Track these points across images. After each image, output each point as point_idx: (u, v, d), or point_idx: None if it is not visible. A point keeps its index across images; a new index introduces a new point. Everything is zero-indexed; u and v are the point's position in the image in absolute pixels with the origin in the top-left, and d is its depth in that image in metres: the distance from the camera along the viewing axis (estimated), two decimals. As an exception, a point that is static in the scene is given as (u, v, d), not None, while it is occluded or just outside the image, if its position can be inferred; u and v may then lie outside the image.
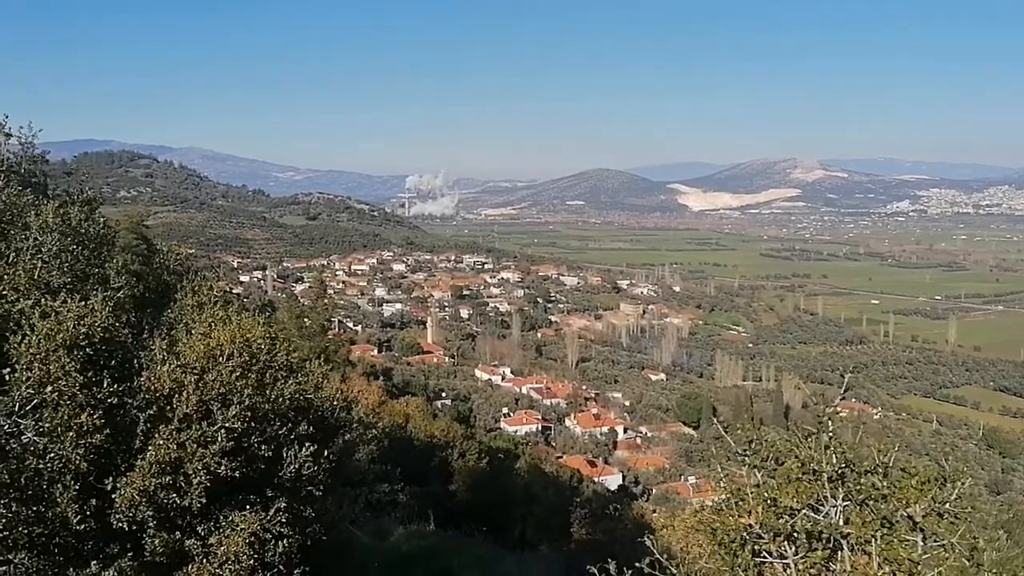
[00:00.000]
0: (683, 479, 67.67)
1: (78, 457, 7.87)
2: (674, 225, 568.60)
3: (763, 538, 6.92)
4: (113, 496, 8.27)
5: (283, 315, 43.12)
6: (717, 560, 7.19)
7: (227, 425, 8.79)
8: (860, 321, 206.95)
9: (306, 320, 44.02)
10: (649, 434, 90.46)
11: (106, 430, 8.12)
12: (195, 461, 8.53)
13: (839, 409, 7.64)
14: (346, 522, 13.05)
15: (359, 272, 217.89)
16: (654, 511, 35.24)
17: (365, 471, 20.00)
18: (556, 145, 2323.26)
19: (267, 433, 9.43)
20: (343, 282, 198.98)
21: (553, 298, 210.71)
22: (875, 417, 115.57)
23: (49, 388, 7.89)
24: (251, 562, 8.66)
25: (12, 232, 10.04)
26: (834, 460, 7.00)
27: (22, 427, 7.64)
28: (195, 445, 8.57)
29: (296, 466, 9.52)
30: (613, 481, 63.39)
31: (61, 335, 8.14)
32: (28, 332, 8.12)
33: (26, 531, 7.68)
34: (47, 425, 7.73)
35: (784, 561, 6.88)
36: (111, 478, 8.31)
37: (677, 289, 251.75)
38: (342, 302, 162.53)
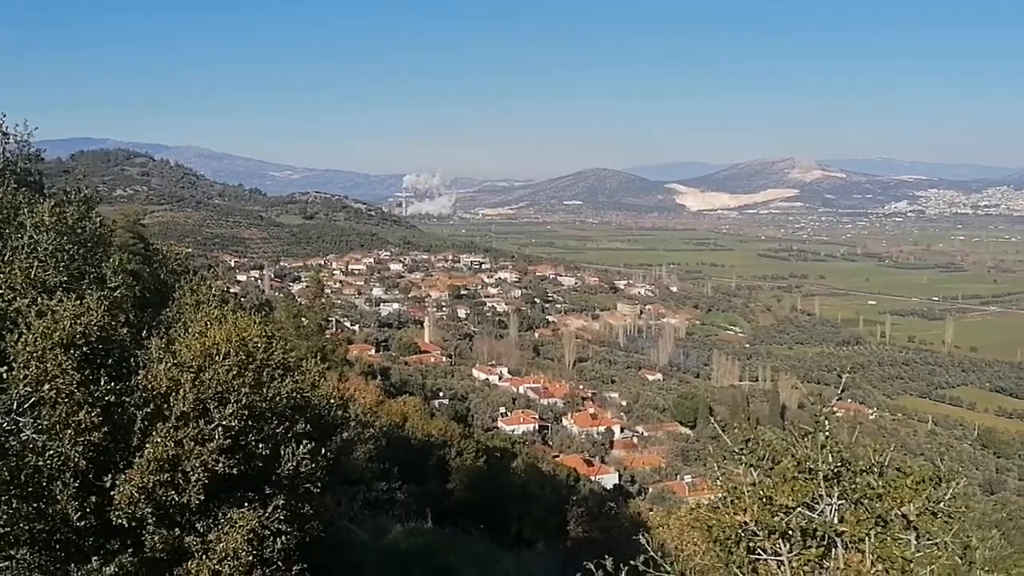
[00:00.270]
0: (679, 478, 67.82)
1: (77, 454, 7.90)
2: (672, 225, 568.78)
3: (758, 535, 6.96)
4: (112, 493, 8.30)
5: (280, 314, 43.15)
6: (712, 557, 7.23)
7: (224, 423, 8.82)
8: (857, 322, 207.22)
9: (303, 319, 44.04)
10: (646, 434, 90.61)
11: (104, 428, 8.15)
12: (193, 458, 8.56)
13: (835, 409, 7.69)
14: (344, 519, 13.09)
15: (356, 271, 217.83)
16: (650, 509, 35.31)
17: (363, 469, 20.03)
18: (554, 144, 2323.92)
19: (264, 431, 9.47)
20: (340, 281, 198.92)
21: (550, 298, 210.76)
22: (871, 417, 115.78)
23: (47, 386, 7.92)
24: (250, 559, 8.71)
25: (8, 231, 10.05)
26: (830, 459, 7.03)
27: (21, 425, 7.66)
28: (193, 443, 8.61)
29: (294, 464, 9.56)
30: (609, 480, 63.51)
31: (58, 333, 8.17)
32: (25, 331, 8.14)
33: (27, 527, 7.71)
34: (45, 423, 7.76)
35: (779, 558, 6.92)
36: (110, 475, 8.35)
37: (674, 289, 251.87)
38: (339, 301, 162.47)
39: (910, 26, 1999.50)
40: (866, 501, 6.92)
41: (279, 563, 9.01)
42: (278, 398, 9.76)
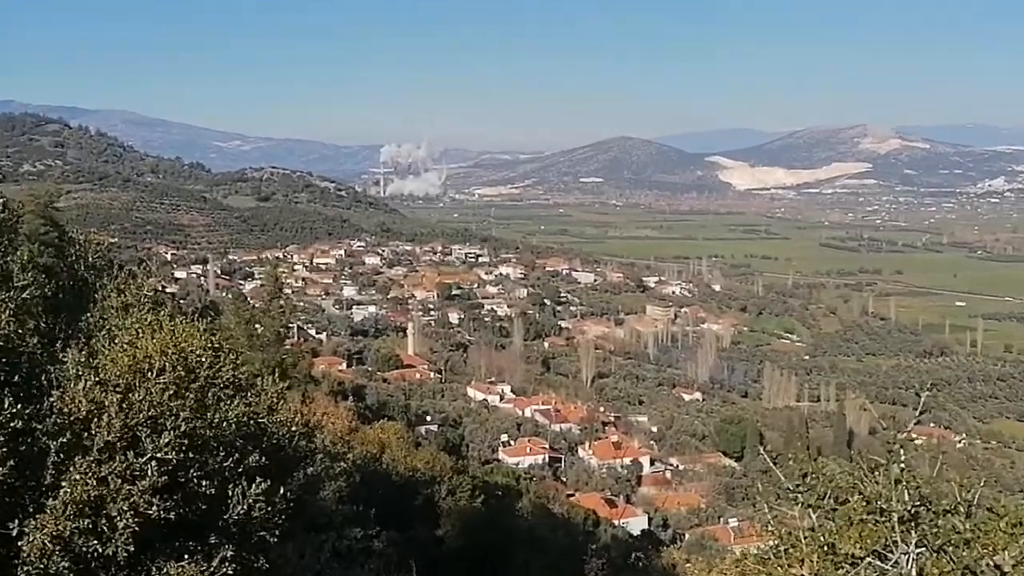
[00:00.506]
0: (722, 521, 67.85)
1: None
2: (714, 208, 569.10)
3: (819, 593, 6.97)
4: (20, 543, 8.30)
5: (228, 320, 43.11)
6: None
7: (159, 456, 8.81)
8: (942, 327, 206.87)
9: (257, 326, 43.99)
10: (681, 467, 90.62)
11: (9, 462, 8.15)
12: (120, 500, 8.55)
13: (914, 435, 7.68)
14: (309, 574, 13.10)
15: (323, 266, 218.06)
16: (687, 560, 35.34)
17: (332, 512, 20.01)
18: (568, 108, 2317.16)
19: (209, 466, 9.46)
20: (303, 279, 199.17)
21: (564, 299, 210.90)
22: (958, 445, 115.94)
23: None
24: (190, 624, 8.71)
25: None
26: (906, 497, 7.03)
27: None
28: (119, 481, 8.60)
29: (245, 506, 9.55)
30: (637, 524, 63.50)
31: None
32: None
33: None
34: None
35: (844, 622, 6.92)
36: (16, 521, 8.35)
37: (717, 288, 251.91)
38: (302, 304, 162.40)
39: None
40: (951, 548, 6.91)
41: (227, 628, 9.01)
42: (226, 425, 9.75)
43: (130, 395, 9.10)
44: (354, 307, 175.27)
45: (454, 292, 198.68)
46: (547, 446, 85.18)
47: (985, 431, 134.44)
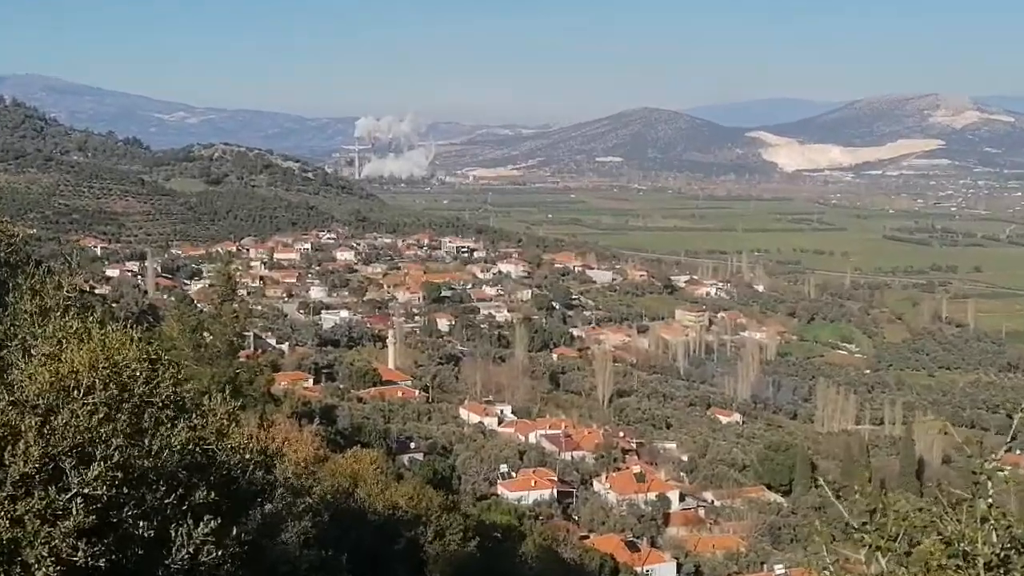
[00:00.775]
0: (766, 568, 67.78)
1: None
2: (756, 193, 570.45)
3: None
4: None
5: (171, 327, 43.20)
6: None
7: (86, 491, 8.76)
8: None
9: (205, 335, 44.06)
10: (717, 502, 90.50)
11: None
12: (38, 544, 8.51)
13: (1001, 465, 7.62)
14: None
15: (286, 263, 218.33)
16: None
17: (295, 558, 19.98)
18: (581, 73, 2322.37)
19: (147, 503, 9.41)
20: (262, 277, 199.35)
21: (576, 302, 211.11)
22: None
23: None
24: None
25: None
26: (994, 538, 6.98)
27: None
28: (38, 520, 8.55)
29: (190, 550, 9.50)
30: (664, 572, 63.51)
31: None
32: None
33: None
34: None
35: None
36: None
37: (760, 289, 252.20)
38: (260, 308, 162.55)
39: None
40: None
41: None
42: (167, 453, 9.71)
43: (51, 418, 9.05)
44: (323, 312, 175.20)
45: (444, 294, 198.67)
46: (556, 478, 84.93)
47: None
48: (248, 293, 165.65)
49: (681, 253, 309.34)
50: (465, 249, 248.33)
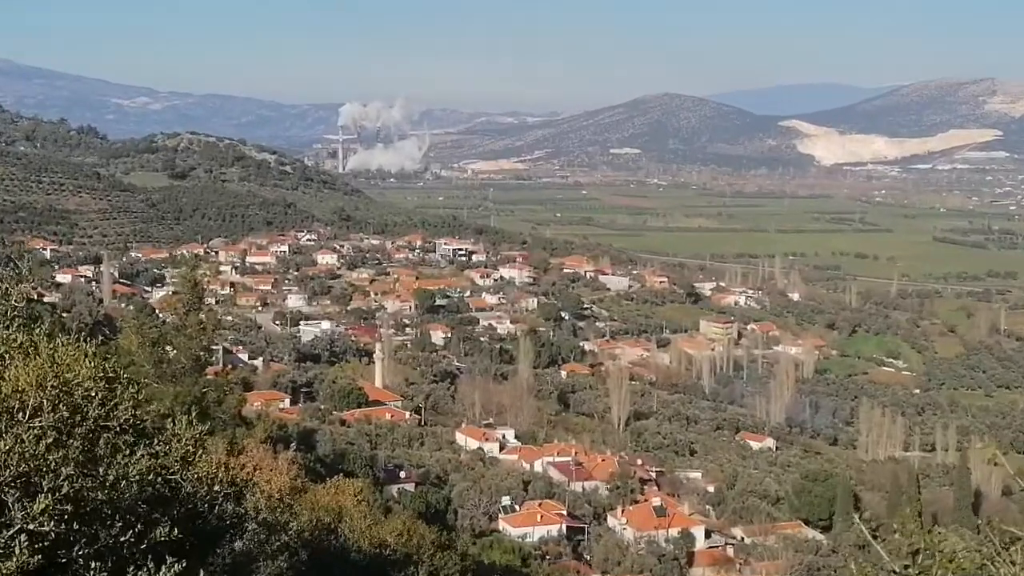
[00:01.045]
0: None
1: None
2: (791, 189, 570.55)
3: None
4: None
5: (129, 340, 43.19)
6: None
7: (31, 527, 8.74)
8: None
9: (168, 349, 44.06)
10: (748, 540, 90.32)
11: None
12: (-21, 587, 8.50)
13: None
14: None
15: (260, 267, 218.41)
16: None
17: (269, 603, 19.99)
18: (593, 55, 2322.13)
19: (101, 540, 9.39)
20: (232, 284, 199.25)
21: (587, 312, 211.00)
22: None
23: None
24: None
25: None
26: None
27: None
28: (-21, 560, 8.54)
29: (151, 595, 9.49)
30: (688, 619, 63.42)
31: None
32: None
33: None
34: None
35: None
36: None
37: (796, 297, 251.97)
38: (230, 318, 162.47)
39: None
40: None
41: None
42: (124, 484, 9.69)
43: (-8, 443, 9.04)
44: (302, 323, 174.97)
45: (438, 302, 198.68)
46: (565, 512, 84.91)
47: None
48: (217, 301, 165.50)
49: (706, 257, 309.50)
50: (463, 252, 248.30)
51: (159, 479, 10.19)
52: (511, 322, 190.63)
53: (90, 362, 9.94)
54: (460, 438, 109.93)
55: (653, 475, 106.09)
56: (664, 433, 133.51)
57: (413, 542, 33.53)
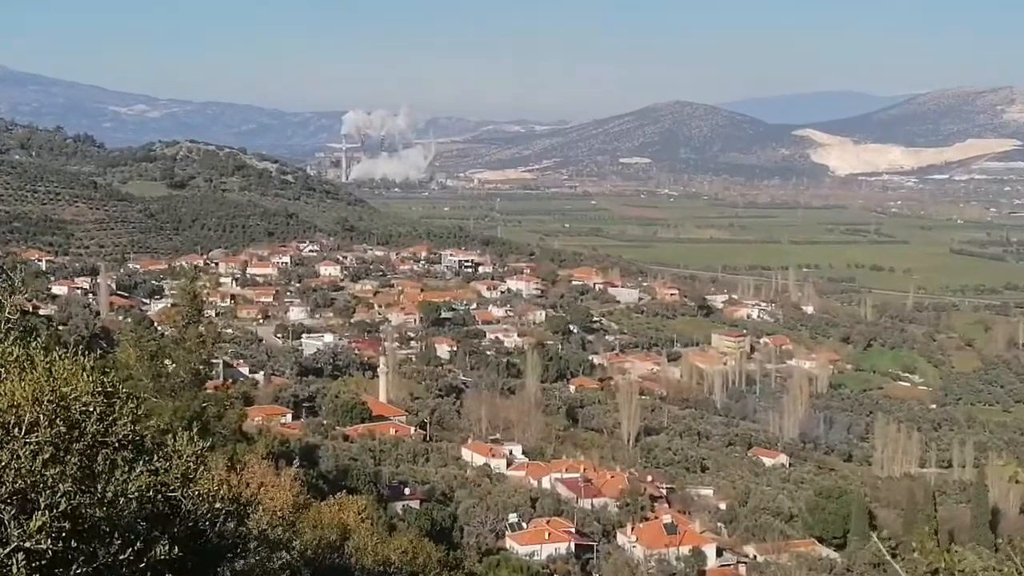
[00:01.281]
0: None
1: None
2: (805, 199, 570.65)
3: None
4: None
5: (127, 354, 43.20)
6: None
7: (28, 545, 8.73)
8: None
9: (167, 363, 44.07)
10: (760, 558, 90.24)
11: None
12: (-27, 607, 8.48)
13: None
14: None
15: (261, 279, 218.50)
16: None
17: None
18: (603, 62, 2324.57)
19: (99, 559, 9.38)
20: (233, 296, 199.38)
21: (597, 325, 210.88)
22: None
23: None
24: None
25: None
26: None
27: None
28: (-27, 580, 8.53)
29: (149, 615, 9.48)
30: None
31: None
32: None
33: None
34: None
35: None
36: None
37: (809, 310, 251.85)
38: (231, 331, 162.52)
39: None
40: None
41: None
42: (123, 501, 9.68)
43: (-11, 460, 9.03)
44: (304, 336, 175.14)
45: (444, 315, 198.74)
46: (573, 530, 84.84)
47: None
48: (217, 314, 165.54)
49: (718, 269, 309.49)
50: (468, 263, 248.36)
51: (159, 496, 10.17)
52: (518, 335, 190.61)
53: (87, 376, 9.92)
54: (466, 454, 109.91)
55: (663, 492, 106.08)
56: (675, 449, 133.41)
57: (418, 560, 33.53)
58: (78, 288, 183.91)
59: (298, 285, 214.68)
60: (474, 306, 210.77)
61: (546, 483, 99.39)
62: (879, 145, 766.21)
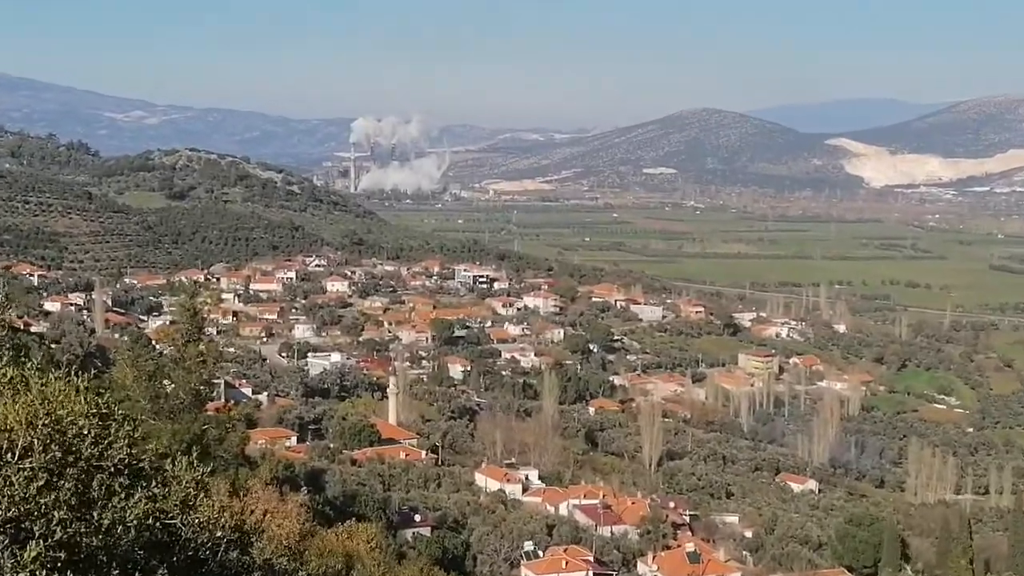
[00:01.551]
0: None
1: None
2: (838, 212, 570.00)
3: None
4: None
5: (124, 374, 43.29)
6: None
7: (22, 575, 8.76)
8: None
9: (166, 383, 44.13)
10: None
11: None
12: (-35, 639, 8.51)
13: None
14: None
15: (265, 295, 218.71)
16: None
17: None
18: (626, 67, 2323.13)
19: (95, 589, 9.40)
20: (235, 313, 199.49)
21: (618, 344, 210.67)
22: None
23: None
24: None
25: None
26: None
27: None
28: (-35, 611, 8.56)
29: (148, 648, 9.50)
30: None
31: None
32: None
33: None
34: None
35: None
36: None
37: (841, 329, 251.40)
38: (232, 349, 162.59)
39: None
40: None
41: None
42: (121, 528, 9.71)
43: (-20, 486, 9.06)
44: (309, 355, 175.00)
45: (457, 333, 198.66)
46: (592, 558, 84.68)
47: None
48: (218, 332, 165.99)
49: (746, 285, 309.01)
50: (483, 279, 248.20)
51: (157, 524, 10.20)
52: (535, 355, 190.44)
53: (83, 398, 9.96)
54: (480, 479, 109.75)
55: (687, 519, 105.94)
56: (699, 474, 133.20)
57: (429, 591, 33.55)
58: (72, 304, 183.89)
59: (304, 302, 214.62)
60: (489, 324, 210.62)
61: (564, 510, 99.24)
62: (916, 155, 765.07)
